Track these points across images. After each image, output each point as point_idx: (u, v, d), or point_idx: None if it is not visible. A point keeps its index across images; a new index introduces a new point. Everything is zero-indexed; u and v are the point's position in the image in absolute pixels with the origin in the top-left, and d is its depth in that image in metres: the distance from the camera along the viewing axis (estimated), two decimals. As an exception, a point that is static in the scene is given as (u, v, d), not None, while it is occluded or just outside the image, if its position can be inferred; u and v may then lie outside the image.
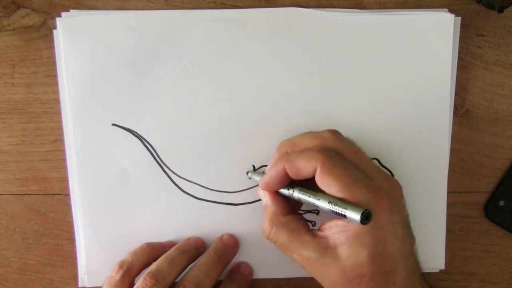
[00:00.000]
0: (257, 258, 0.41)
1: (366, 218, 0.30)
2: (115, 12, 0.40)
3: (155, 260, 0.38)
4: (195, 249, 0.40)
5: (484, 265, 0.43)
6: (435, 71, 0.40)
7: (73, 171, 0.41)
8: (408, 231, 0.34)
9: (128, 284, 0.37)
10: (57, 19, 0.40)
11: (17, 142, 0.41)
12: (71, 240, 0.42)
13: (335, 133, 0.36)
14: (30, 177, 0.42)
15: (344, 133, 0.37)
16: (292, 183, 0.36)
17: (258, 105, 0.40)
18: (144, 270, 0.37)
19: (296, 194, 0.35)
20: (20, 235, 0.42)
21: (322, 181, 0.33)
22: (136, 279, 0.38)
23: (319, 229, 0.34)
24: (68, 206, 0.41)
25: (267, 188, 0.36)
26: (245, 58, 0.40)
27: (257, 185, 0.39)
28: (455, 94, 0.41)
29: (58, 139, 0.41)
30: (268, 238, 0.36)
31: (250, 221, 0.41)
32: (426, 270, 0.42)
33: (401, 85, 0.40)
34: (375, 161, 0.41)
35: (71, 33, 0.39)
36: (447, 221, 0.42)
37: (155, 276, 0.36)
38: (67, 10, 0.40)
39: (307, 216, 0.41)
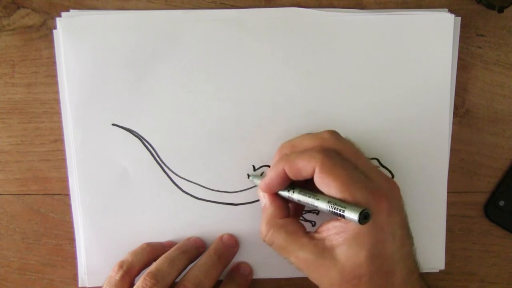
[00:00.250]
0: (257, 258, 0.41)
1: (364, 218, 0.30)
2: (115, 12, 0.40)
3: (155, 260, 0.38)
4: (195, 249, 0.40)
5: (484, 265, 0.43)
6: (435, 71, 0.40)
7: (73, 171, 0.41)
8: (407, 232, 0.34)
9: (128, 284, 0.37)
10: (57, 19, 0.40)
11: (17, 142, 0.41)
12: (71, 240, 0.42)
13: (334, 133, 0.36)
14: (30, 177, 0.42)
15: (344, 133, 0.37)
16: (292, 185, 0.36)
17: (258, 105, 0.40)
18: (144, 270, 0.37)
19: (296, 195, 0.35)
20: (20, 235, 0.42)
21: (321, 181, 0.33)
22: (136, 279, 0.38)
23: (316, 232, 0.34)
24: (68, 206, 0.41)
25: (267, 189, 0.36)
26: (245, 58, 0.40)
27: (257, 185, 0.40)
28: (455, 94, 0.41)
29: (58, 139, 0.41)
30: (265, 241, 0.36)
31: (250, 221, 0.41)
32: (426, 270, 0.42)
33: (401, 85, 0.40)
34: (375, 161, 0.41)
35: (71, 33, 0.39)
36: (447, 221, 0.42)
37: (155, 276, 0.36)
38: (67, 10, 0.40)
39: (307, 216, 0.41)
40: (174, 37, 0.40)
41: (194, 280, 0.36)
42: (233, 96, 0.40)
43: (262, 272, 0.42)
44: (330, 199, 0.32)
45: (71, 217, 0.41)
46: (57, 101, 0.41)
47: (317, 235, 0.34)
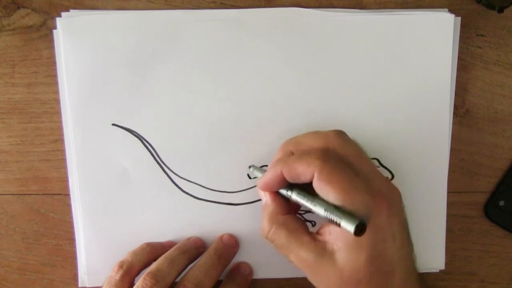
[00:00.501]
0: (257, 258, 0.41)
1: (360, 230, 0.30)
2: (115, 12, 0.40)
3: (155, 260, 0.38)
4: (195, 249, 0.40)
5: (484, 265, 0.43)
6: (435, 71, 0.40)
7: (73, 171, 0.41)
8: (406, 236, 0.34)
9: (128, 284, 0.37)
10: (57, 19, 0.40)
11: (17, 142, 0.41)
12: (71, 240, 0.42)
13: (340, 133, 0.36)
14: (30, 177, 0.42)
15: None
16: (291, 185, 0.36)
17: (258, 105, 0.40)
18: (144, 270, 0.37)
19: (294, 196, 0.35)
20: (20, 235, 0.42)
21: (320, 188, 0.33)
22: (136, 279, 0.38)
23: (317, 232, 0.34)
24: (68, 206, 0.41)
25: (265, 188, 0.36)
26: (245, 58, 0.40)
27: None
28: (455, 94, 0.41)
29: (58, 139, 0.41)
30: (267, 237, 0.36)
31: (250, 221, 0.41)
32: (426, 270, 0.42)
33: (401, 85, 0.40)
34: (375, 161, 0.41)
35: (71, 33, 0.39)
36: (447, 221, 0.42)
37: (155, 276, 0.36)
38: (67, 10, 0.40)
39: (307, 216, 0.41)
40: (174, 37, 0.40)
41: (194, 280, 0.36)
42: (233, 96, 0.40)
43: (262, 272, 0.42)
44: (327, 207, 0.32)
45: (71, 217, 0.41)
46: (57, 101, 0.41)
47: (318, 237, 0.34)
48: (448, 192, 0.41)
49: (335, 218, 0.31)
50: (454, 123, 0.42)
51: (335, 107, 0.40)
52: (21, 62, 0.41)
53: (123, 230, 0.41)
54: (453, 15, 0.40)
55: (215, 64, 0.40)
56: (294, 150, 0.36)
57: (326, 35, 0.40)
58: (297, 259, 0.34)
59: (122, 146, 0.40)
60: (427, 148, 0.41)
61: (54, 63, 0.40)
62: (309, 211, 0.40)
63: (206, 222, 0.41)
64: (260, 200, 0.39)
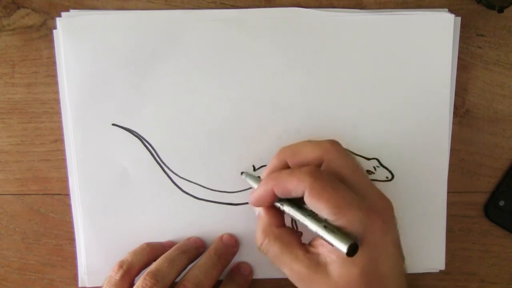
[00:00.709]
0: (257, 258, 0.41)
1: (352, 251, 0.30)
2: (115, 12, 0.40)
3: (155, 260, 0.38)
4: (195, 249, 0.40)
5: (484, 265, 0.43)
6: (435, 71, 0.40)
7: (73, 171, 0.41)
8: (399, 251, 0.34)
9: (128, 284, 0.37)
10: (57, 19, 0.40)
11: (17, 142, 0.41)
12: (71, 240, 0.42)
13: (335, 144, 0.35)
14: (30, 177, 0.42)
15: (344, 132, 0.38)
16: (284, 199, 0.35)
17: (258, 105, 0.40)
18: (144, 270, 0.37)
19: (286, 211, 0.35)
20: (20, 235, 0.42)
21: (311, 204, 0.32)
22: (136, 279, 0.38)
23: (311, 244, 0.34)
24: (68, 206, 0.41)
25: (256, 204, 0.36)
26: (245, 58, 0.40)
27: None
28: (455, 94, 0.41)
29: (58, 139, 0.41)
30: (260, 249, 0.35)
31: (250, 221, 0.41)
32: (426, 270, 0.42)
33: (401, 85, 0.40)
34: (375, 161, 0.41)
35: (71, 33, 0.39)
36: (447, 221, 0.42)
37: (155, 276, 0.36)
38: (67, 10, 0.40)
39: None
40: (174, 37, 0.40)
41: (194, 280, 0.36)
42: (233, 96, 0.40)
43: (262, 272, 0.42)
44: (319, 226, 0.32)
45: (71, 217, 0.41)
46: (57, 101, 0.41)
47: (311, 249, 0.34)
48: (448, 192, 0.41)
49: (327, 238, 0.31)
50: (454, 123, 0.42)
51: (335, 107, 0.40)
52: (21, 62, 0.41)
53: (123, 230, 0.41)
54: (453, 15, 0.40)
55: (215, 64, 0.40)
56: (289, 160, 0.36)
57: (326, 35, 0.40)
58: (290, 272, 0.34)
59: (122, 146, 0.40)
60: (427, 148, 0.41)
61: (54, 63, 0.40)
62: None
63: (206, 222, 0.41)
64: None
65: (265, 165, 0.41)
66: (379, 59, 0.40)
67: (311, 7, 0.40)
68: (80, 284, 0.42)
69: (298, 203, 0.35)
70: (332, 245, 0.31)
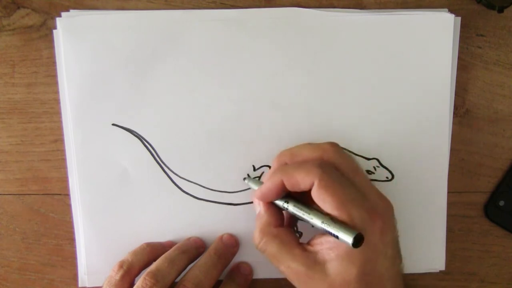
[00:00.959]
0: (257, 258, 0.41)
1: (358, 241, 0.30)
2: (115, 12, 0.40)
3: (155, 260, 0.38)
4: (195, 249, 0.40)
5: (484, 265, 0.43)
6: (435, 71, 0.40)
7: (73, 171, 0.41)
8: (397, 252, 0.34)
9: (128, 284, 0.37)
10: (57, 19, 0.40)
11: (17, 142, 0.41)
12: (71, 240, 0.42)
13: (335, 146, 0.36)
14: (30, 177, 0.42)
15: (344, 132, 0.38)
16: (287, 196, 0.36)
17: (258, 105, 0.40)
18: (144, 270, 0.37)
19: (290, 208, 0.35)
20: (20, 235, 0.42)
21: (318, 196, 0.33)
22: (136, 279, 0.38)
23: (309, 244, 0.35)
24: (68, 206, 0.41)
25: (263, 198, 0.36)
26: (245, 58, 0.40)
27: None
28: (455, 94, 0.41)
29: (58, 139, 0.41)
30: (257, 248, 0.36)
31: (250, 221, 0.41)
32: (426, 270, 0.42)
33: (401, 85, 0.40)
34: (375, 161, 0.41)
35: (71, 33, 0.39)
36: (447, 221, 0.42)
37: (155, 276, 0.36)
38: (67, 10, 0.40)
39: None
40: (174, 37, 0.40)
41: (194, 280, 0.36)
42: (233, 96, 0.40)
43: (262, 272, 0.42)
44: (324, 219, 0.32)
45: (71, 217, 0.41)
46: (57, 101, 0.41)
47: (309, 248, 0.34)
48: (448, 192, 0.41)
49: (333, 230, 0.31)
50: (454, 123, 0.42)
51: (335, 107, 0.40)
52: (21, 62, 0.41)
53: (123, 230, 0.41)
54: (453, 15, 0.40)
55: (215, 64, 0.40)
56: (288, 162, 0.36)
57: (326, 35, 0.40)
58: (287, 271, 0.34)
59: (122, 146, 0.40)
60: (427, 148, 0.41)
61: (54, 63, 0.40)
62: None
63: (206, 222, 0.41)
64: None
65: (265, 165, 0.41)
66: (379, 59, 0.40)
67: (311, 7, 0.40)
68: (80, 284, 0.42)
69: (301, 201, 0.35)
70: (337, 237, 0.31)
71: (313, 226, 0.34)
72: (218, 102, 0.40)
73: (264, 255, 0.36)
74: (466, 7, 0.41)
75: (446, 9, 0.40)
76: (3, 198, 0.42)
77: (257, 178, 0.40)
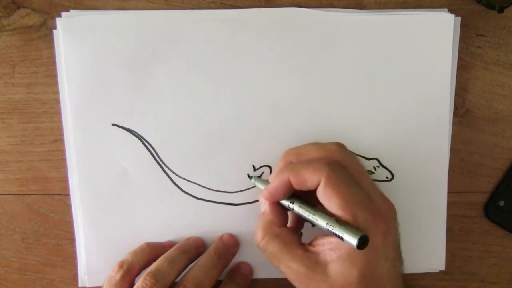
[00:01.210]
0: (257, 258, 0.41)
1: (362, 243, 0.30)
2: (115, 12, 0.40)
3: (155, 260, 0.38)
4: (195, 249, 0.40)
5: (484, 265, 0.43)
6: (435, 71, 0.40)
7: (73, 171, 0.41)
8: (398, 254, 0.34)
9: (128, 284, 0.37)
10: (57, 19, 0.40)
11: (17, 142, 0.41)
12: (71, 240, 0.42)
13: (341, 146, 0.36)
14: (30, 177, 0.42)
15: (344, 132, 0.38)
16: (293, 197, 0.36)
17: (258, 105, 0.40)
18: (144, 270, 0.37)
19: (296, 208, 0.35)
20: (20, 235, 0.42)
21: (324, 195, 0.33)
22: (136, 279, 0.38)
23: (311, 244, 0.34)
24: (68, 206, 0.41)
25: (271, 198, 0.36)
26: (245, 58, 0.40)
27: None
28: (455, 94, 0.41)
29: (58, 139, 0.41)
30: (258, 246, 0.36)
31: (250, 221, 0.41)
32: (426, 270, 0.42)
33: (401, 85, 0.40)
34: (375, 161, 0.41)
35: (71, 33, 0.39)
36: (447, 221, 0.42)
37: (155, 276, 0.36)
38: (67, 10, 0.40)
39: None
40: (174, 37, 0.40)
41: (194, 280, 0.36)
42: (233, 96, 0.40)
43: (262, 272, 0.42)
44: (329, 220, 0.32)
45: (71, 217, 0.41)
46: (57, 101, 0.41)
47: (311, 248, 0.34)
48: (448, 192, 0.41)
49: (337, 231, 0.31)
50: (454, 123, 0.42)
51: (335, 107, 0.40)
52: (21, 62, 0.41)
53: (123, 230, 0.41)
54: (453, 15, 0.40)
55: (215, 64, 0.40)
56: (295, 161, 0.36)
57: (326, 35, 0.40)
58: (288, 271, 0.34)
59: (122, 146, 0.40)
60: (427, 148, 0.41)
61: (54, 63, 0.40)
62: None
63: (206, 222, 0.41)
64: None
65: (265, 165, 0.41)
66: (379, 59, 0.40)
67: (311, 7, 0.40)
68: (80, 284, 0.42)
69: (307, 201, 0.35)
70: (341, 238, 0.31)
71: (313, 225, 0.34)
72: (218, 102, 0.40)
73: (265, 255, 0.36)
74: (466, 7, 0.41)
75: (446, 9, 0.40)
76: (3, 198, 0.42)
77: (261, 175, 0.40)
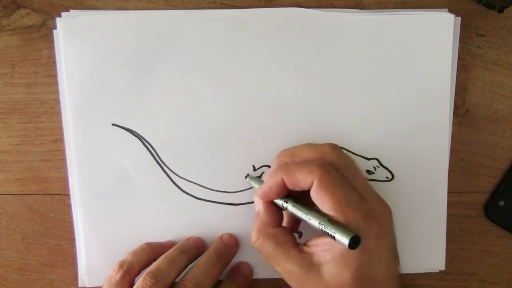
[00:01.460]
0: (257, 258, 0.41)
1: (354, 243, 0.30)
2: (115, 12, 0.40)
3: (155, 260, 0.38)
4: (195, 249, 0.40)
5: (484, 265, 0.43)
6: (435, 71, 0.40)
7: (73, 171, 0.41)
8: (393, 255, 0.34)
9: (128, 284, 0.37)
10: (57, 19, 0.40)
11: (17, 142, 0.41)
12: (71, 240, 0.42)
13: (335, 148, 0.36)
14: (30, 177, 0.42)
15: (344, 132, 0.38)
16: (287, 196, 0.36)
17: (258, 105, 0.40)
18: (144, 270, 0.37)
19: (289, 207, 0.35)
20: (20, 235, 0.42)
21: (317, 196, 0.33)
22: (136, 279, 0.38)
23: (305, 245, 0.34)
24: (68, 206, 0.41)
25: (264, 197, 0.36)
26: (245, 58, 0.40)
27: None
28: (455, 94, 0.41)
29: (58, 139, 0.41)
30: (254, 247, 0.36)
31: (250, 221, 0.41)
32: (426, 270, 0.42)
33: (401, 85, 0.40)
34: (375, 161, 0.41)
35: (71, 33, 0.39)
36: (447, 221, 0.42)
37: (155, 275, 0.36)
38: (67, 10, 0.40)
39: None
40: (174, 37, 0.40)
41: (194, 280, 0.36)
42: (233, 96, 0.40)
43: (262, 272, 0.42)
44: (322, 220, 0.32)
45: (71, 217, 0.41)
46: (57, 101, 0.41)
47: (306, 249, 0.34)
48: (448, 192, 0.41)
49: (329, 231, 0.31)
50: (454, 123, 0.42)
51: (335, 107, 0.40)
52: (21, 62, 0.41)
53: (123, 230, 0.41)
54: (453, 15, 0.40)
55: (215, 64, 0.40)
56: (289, 162, 0.36)
57: (326, 35, 0.40)
58: (283, 271, 0.34)
59: (122, 146, 0.40)
60: (427, 148, 0.41)
61: (54, 63, 0.40)
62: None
63: (206, 222, 0.41)
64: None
65: (265, 165, 0.41)
66: (379, 59, 0.40)
67: (311, 7, 0.40)
68: (80, 284, 0.42)
69: (300, 201, 0.35)
70: (334, 238, 0.31)
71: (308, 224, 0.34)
72: (218, 102, 0.40)
73: (260, 255, 0.36)
74: (466, 7, 0.41)
75: (446, 9, 0.40)
76: (3, 198, 0.42)
77: (258, 177, 0.40)
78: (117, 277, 0.37)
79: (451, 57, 0.40)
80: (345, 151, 0.38)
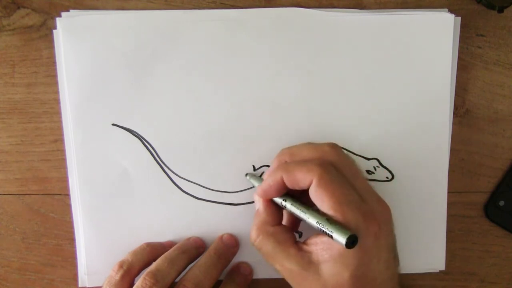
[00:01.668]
0: (257, 258, 0.41)
1: (352, 242, 0.30)
2: (115, 12, 0.40)
3: (155, 260, 0.38)
4: (195, 249, 0.40)
5: (484, 265, 0.43)
6: (435, 71, 0.40)
7: (73, 171, 0.41)
8: (393, 255, 0.34)
9: (128, 284, 0.37)
10: (57, 19, 0.40)
11: (17, 142, 0.41)
12: (71, 240, 0.42)
13: (335, 147, 0.36)
14: (30, 177, 0.42)
15: (344, 132, 0.37)
16: (286, 195, 0.36)
17: (258, 105, 0.40)
18: (144, 270, 0.37)
19: (288, 206, 0.35)
20: (20, 235, 0.42)
21: (316, 195, 0.33)
22: (136, 279, 0.38)
23: (305, 243, 0.34)
24: (68, 206, 0.41)
25: (263, 195, 0.36)
26: (245, 58, 0.40)
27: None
28: (455, 94, 0.41)
29: (58, 139, 0.41)
30: (253, 245, 0.36)
31: (250, 221, 0.41)
32: (426, 270, 0.42)
33: (401, 85, 0.40)
34: (375, 161, 0.41)
35: (71, 33, 0.39)
36: (447, 221, 0.42)
37: (154, 275, 0.36)
38: (67, 10, 0.40)
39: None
40: (174, 37, 0.40)
41: (194, 280, 0.36)
42: (233, 96, 0.40)
43: (262, 272, 0.42)
44: (320, 219, 0.32)
45: (71, 217, 0.41)
46: (57, 101, 0.41)
47: (305, 247, 0.34)
48: (448, 192, 0.41)
49: (327, 229, 0.31)
50: (454, 123, 0.42)
51: (335, 107, 0.40)
52: (21, 62, 0.41)
53: (123, 230, 0.41)
54: (453, 15, 0.40)
55: (215, 64, 0.40)
56: (289, 161, 0.36)
57: (326, 35, 0.40)
58: (282, 270, 0.34)
59: (122, 146, 0.40)
60: (427, 148, 0.41)
61: (54, 63, 0.40)
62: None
63: (206, 222, 0.41)
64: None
65: (265, 165, 0.41)
66: (379, 59, 0.40)
67: (311, 7, 0.40)
68: (80, 284, 0.42)
69: (299, 200, 0.35)
70: (331, 237, 0.31)
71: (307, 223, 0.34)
72: (218, 102, 0.40)
73: (260, 253, 0.36)
74: (466, 7, 0.41)
75: (446, 9, 0.40)
76: (3, 198, 0.42)
77: (258, 174, 0.40)
78: (117, 277, 0.37)
79: (451, 57, 0.40)
80: (345, 151, 0.38)
